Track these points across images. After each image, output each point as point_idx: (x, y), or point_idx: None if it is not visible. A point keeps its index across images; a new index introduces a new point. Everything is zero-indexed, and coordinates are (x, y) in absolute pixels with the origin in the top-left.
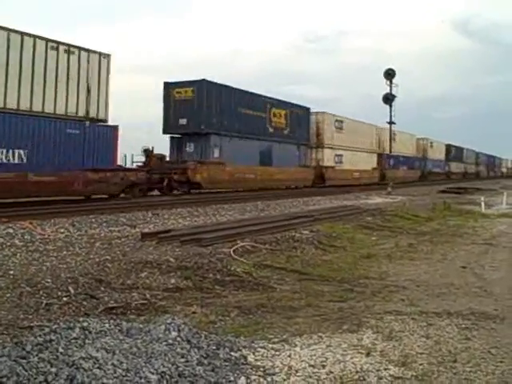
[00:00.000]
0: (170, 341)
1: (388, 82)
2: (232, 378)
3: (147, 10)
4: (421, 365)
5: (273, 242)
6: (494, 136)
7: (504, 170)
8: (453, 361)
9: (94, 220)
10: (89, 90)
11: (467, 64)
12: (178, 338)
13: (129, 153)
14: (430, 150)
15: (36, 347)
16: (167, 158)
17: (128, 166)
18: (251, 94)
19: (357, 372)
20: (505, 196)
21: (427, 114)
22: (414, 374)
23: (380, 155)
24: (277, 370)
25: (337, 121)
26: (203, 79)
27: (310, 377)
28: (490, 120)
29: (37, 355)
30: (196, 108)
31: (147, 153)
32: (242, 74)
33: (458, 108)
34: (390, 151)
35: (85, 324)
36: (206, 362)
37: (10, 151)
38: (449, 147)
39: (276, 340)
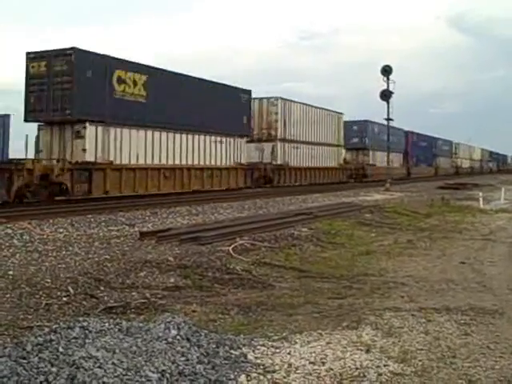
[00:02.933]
0: (170, 339)
1: (385, 79)
2: (232, 376)
3: (143, 8)
4: (420, 361)
5: (271, 239)
6: (492, 131)
7: (465, 163)
8: (452, 356)
9: (92, 220)
10: None
11: (463, 60)
12: (178, 337)
13: None
14: None
15: (36, 347)
16: None
17: None
18: None
19: (356, 369)
20: (503, 191)
21: (424, 110)
22: (414, 370)
23: None
24: (277, 367)
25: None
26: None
27: (310, 374)
28: (488, 115)
29: (37, 355)
30: None
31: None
32: (237, 71)
33: (454, 103)
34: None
35: (85, 323)
36: (206, 360)
37: None
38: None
39: (276, 338)
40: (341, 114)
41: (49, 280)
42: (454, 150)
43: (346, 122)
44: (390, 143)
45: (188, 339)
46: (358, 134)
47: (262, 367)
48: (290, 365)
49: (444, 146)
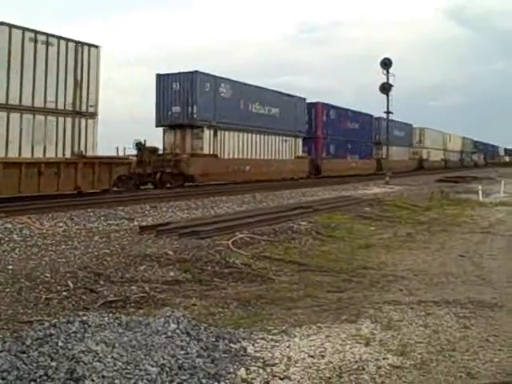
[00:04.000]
0: (170, 333)
1: (385, 72)
2: (232, 370)
3: (143, 1)
4: (419, 354)
5: (271, 233)
6: (491, 124)
7: (435, 154)
8: (451, 349)
9: (92, 214)
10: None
11: (462, 52)
12: (178, 331)
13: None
14: None
15: (36, 342)
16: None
17: None
18: None
19: (356, 362)
20: (502, 184)
21: (424, 103)
22: (413, 362)
23: None
24: (276, 360)
25: None
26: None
27: (310, 367)
28: (487, 107)
29: (37, 349)
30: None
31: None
32: (237, 65)
33: (454, 96)
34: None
35: (84, 318)
36: (205, 353)
37: None
38: None
39: (275, 331)
40: (94, 46)
41: (48, 274)
42: (417, 137)
43: (161, 76)
44: (273, 119)
45: (187, 333)
46: (180, 99)
47: (261, 360)
48: (289, 358)
49: (397, 131)
